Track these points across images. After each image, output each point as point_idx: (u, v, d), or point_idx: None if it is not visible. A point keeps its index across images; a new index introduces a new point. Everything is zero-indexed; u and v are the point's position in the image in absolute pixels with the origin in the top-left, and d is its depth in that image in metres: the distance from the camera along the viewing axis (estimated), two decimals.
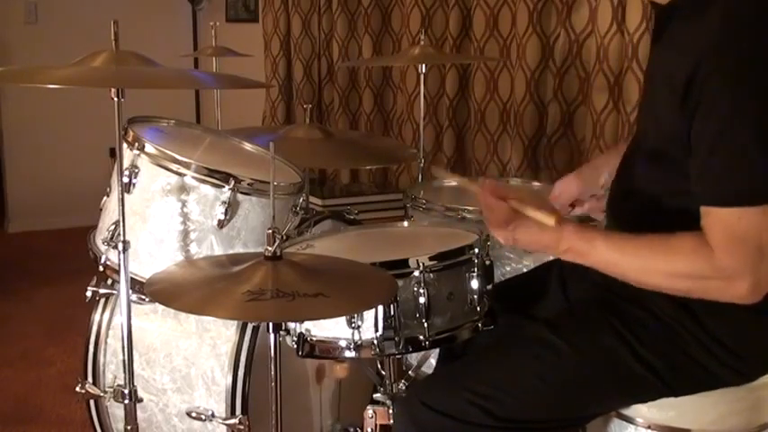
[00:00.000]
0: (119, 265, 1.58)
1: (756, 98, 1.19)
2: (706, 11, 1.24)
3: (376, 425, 1.60)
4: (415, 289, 1.46)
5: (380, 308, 1.44)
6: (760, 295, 1.23)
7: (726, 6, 1.23)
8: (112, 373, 1.87)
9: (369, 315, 1.45)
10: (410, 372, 1.76)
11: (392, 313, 1.45)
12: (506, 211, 1.37)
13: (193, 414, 1.75)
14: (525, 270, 1.97)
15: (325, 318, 1.46)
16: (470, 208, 2.02)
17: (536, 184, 2.44)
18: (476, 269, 1.53)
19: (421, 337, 1.47)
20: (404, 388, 1.67)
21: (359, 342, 1.46)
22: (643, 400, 1.43)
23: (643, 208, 1.42)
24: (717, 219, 1.22)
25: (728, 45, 1.20)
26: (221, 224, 1.69)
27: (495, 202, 1.38)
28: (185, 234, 1.70)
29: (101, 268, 1.77)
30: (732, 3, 1.23)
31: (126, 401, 1.63)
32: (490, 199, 1.38)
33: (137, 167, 1.69)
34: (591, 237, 1.33)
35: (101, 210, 1.84)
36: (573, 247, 1.33)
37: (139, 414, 1.70)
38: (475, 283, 1.53)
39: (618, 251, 1.31)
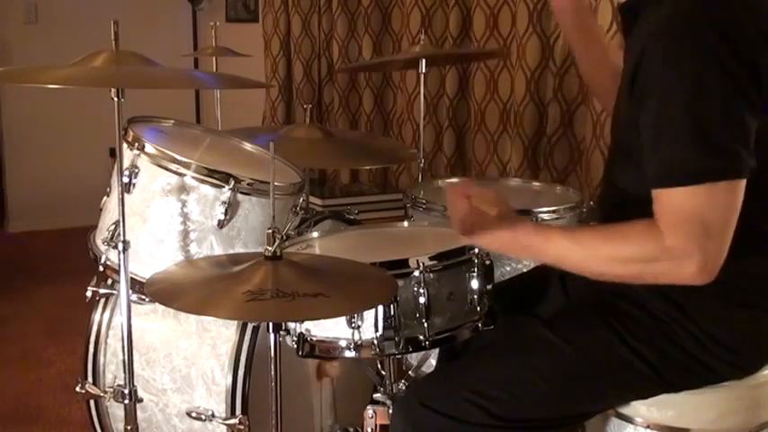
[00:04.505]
0: (119, 265, 1.58)
1: (690, 82, 1.21)
2: (658, 5, 1.29)
3: (376, 425, 1.61)
4: (415, 289, 1.46)
5: (380, 308, 1.44)
6: (710, 276, 1.23)
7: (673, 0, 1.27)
8: (112, 373, 1.87)
9: (369, 315, 1.45)
10: (410, 372, 1.76)
11: (392, 313, 1.45)
12: (465, 209, 1.39)
13: (193, 414, 1.75)
14: (525, 270, 1.97)
15: (325, 318, 1.46)
16: None
17: (536, 184, 2.44)
18: (476, 269, 1.53)
19: (421, 337, 1.47)
20: (404, 388, 1.67)
21: (359, 342, 1.46)
22: (642, 396, 1.43)
23: (625, 201, 1.43)
24: (664, 200, 1.24)
25: (665, 32, 1.25)
26: (221, 224, 1.69)
27: (459, 201, 1.40)
28: (185, 234, 1.70)
29: (101, 268, 1.77)
30: None
31: (126, 401, 1.63)
32: (455, 197, 1.41)
33: (137, 167, 1.69)
34: (548, 232, 1.36)
35: (101, 210, 1.84)
36: (530, 243, 1.36)
37: (139, 414, 1.70)
38: (475, 283, 1.53)
39: (571, 241, 1.33)
